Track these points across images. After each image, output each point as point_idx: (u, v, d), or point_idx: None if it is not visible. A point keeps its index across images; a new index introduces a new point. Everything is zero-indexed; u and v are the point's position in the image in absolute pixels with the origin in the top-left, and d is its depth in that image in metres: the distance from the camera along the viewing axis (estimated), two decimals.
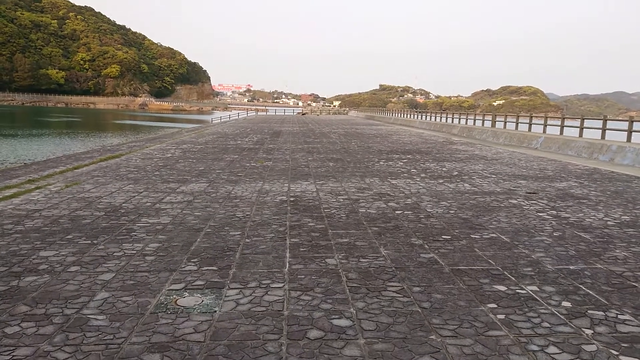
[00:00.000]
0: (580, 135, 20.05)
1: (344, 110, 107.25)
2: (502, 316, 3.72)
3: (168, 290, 4.06)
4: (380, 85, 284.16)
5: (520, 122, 25.76)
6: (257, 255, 4.96)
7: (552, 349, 3.31)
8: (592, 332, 3.54)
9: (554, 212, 7.34)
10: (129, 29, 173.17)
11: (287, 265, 4.67)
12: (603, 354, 3.27)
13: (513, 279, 4.47)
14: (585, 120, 20.38)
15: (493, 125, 28.60)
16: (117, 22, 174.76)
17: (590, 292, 4.21)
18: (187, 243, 5.35)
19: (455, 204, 7.85)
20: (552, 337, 3.46)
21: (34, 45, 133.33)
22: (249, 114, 78.70)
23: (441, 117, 39.99)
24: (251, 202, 7.61)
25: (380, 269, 4.65)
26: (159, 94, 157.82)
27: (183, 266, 4.62)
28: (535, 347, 3.32)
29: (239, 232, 5.81)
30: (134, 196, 7.96)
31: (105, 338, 3.32)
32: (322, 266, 4.69)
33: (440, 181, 10.31)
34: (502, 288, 4.25)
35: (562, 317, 3.74)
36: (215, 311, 3.68)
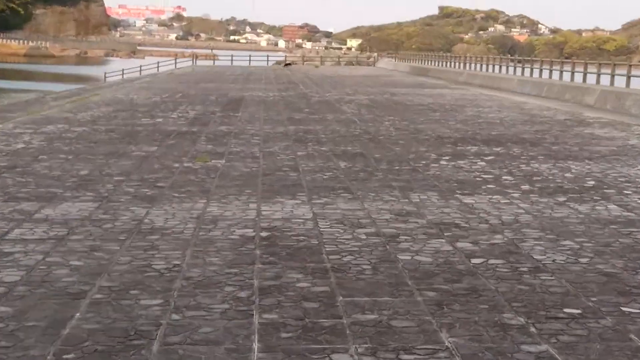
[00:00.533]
0: None
1: (369, 58, 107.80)
2: None
3: None
4: (441, 10, 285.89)
5: None
6: (196, 347, 4.95)
7: None
8: None
9: None
10: None
11: None
12: None
13: None
14: None
15: None
16: None
17: None
18: (54, 323, 5.33)
19: (590, 245, 7.84)
20: None
21: None
22: (179, 65, 79.03)
23: (562, 71, 40.12)
24: (183, 241, 7.61)
25: None
26: (1, 23, 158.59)
27: None
28: None
29: (158, 302, 5.79)
30: None
31: None
32: None
33: (560, 199, 10.33)
34: None
35: None
36: None
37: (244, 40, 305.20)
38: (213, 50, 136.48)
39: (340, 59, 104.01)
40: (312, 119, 21.93)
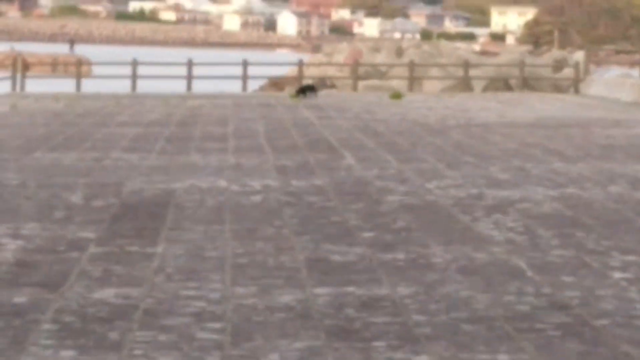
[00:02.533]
0: None
1: (560, 66, 45.12)
2: None
3: None
4: None
5: None
6: None
7: None
8: None
9: None
10: None
11: None
12: None
13: None
14: None
15: None
16: None
17: None
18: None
19: None
20: None
21: None
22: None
23: None
24: None
25: None
26: None
27: None
28: None
29: None
30: None
31: None
32: None
33: None
34: None
35: None
36: None
37: (169, 16, 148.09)
38: (75, 47, 69.04)
39: (471, 71, 43.02)
40: (385, 266, 6.88)
